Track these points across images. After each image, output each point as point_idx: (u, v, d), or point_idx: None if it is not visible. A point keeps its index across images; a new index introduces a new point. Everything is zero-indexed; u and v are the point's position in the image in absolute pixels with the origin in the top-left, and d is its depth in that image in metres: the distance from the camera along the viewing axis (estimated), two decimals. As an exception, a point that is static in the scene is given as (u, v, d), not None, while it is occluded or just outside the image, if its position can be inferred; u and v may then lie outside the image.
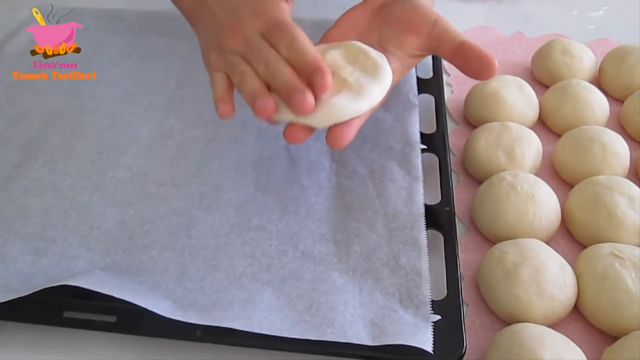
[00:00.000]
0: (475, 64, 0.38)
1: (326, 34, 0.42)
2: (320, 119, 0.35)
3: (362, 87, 0.36)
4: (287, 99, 0.34)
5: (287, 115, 0.35)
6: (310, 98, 0.34)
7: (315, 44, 0.40)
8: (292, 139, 0.36)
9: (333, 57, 0.37)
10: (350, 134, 0.36)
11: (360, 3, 0.43)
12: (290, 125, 0.36)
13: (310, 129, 0.36)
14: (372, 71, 0.37)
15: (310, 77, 0.34)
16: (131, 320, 0.35)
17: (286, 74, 0.35)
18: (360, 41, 0.39)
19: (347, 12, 0.42)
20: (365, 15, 0.42)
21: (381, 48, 0.40)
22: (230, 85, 0.38)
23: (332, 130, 0.36)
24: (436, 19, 0.40)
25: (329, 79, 0.34)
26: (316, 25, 0.58)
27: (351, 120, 0.36)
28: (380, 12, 0.41)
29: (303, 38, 0.37)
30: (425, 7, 0.41)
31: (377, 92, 0.36)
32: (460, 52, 0.39)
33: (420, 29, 0.40)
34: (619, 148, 0.45)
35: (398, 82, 0.42)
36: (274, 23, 0.38)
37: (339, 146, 0.36)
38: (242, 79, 0.37)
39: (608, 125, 0.50)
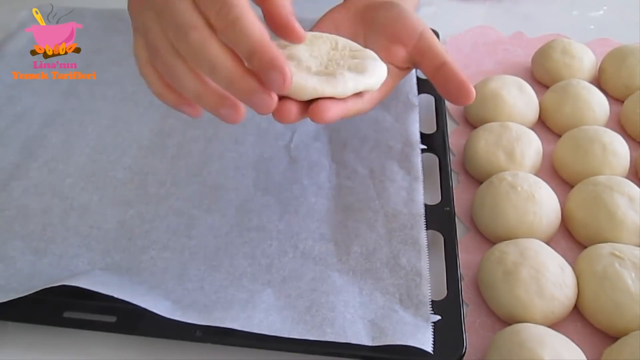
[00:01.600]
0: (452, 89, 0.37)
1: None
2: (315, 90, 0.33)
3: (364, 67, 0.35)
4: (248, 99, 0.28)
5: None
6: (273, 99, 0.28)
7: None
8: (284, 116, 0.31)
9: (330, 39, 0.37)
10: (337, 110, 0.32)
11: (341, 4, 0.42)
12: (283, 100, 0.31)
13: (303, 106, 0.33)
14: (370, 57, 0.36)
15: (265, 75, 0.27)
16: (131, 320, 0.35)
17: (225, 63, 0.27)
18: None
19: (328, 12, 0.41)
20: (348, 16, 0.41)
21: None
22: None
23: (318, 103, 0.32)
24: (422, 31, 0.39)
25: (289, 75, 0.27)
26: (316, 25, 0.58)
27: (339, 100, 0.33)
28: (364, 14, 0.41)
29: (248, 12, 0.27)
30: (413, 17, 0.40)
31: (380, 71, 0.35)
32: (440, 73, 0.38)
33: (406, 39, 0.39)
34: (619, 148, 0.45)
35: (388, 94, 0.41)
36: None
37: (322, 119, 0.31)
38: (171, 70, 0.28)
39: (608, 125, 0.50)
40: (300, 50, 0.36)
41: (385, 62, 0.37)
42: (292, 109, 0.31)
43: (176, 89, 0.30)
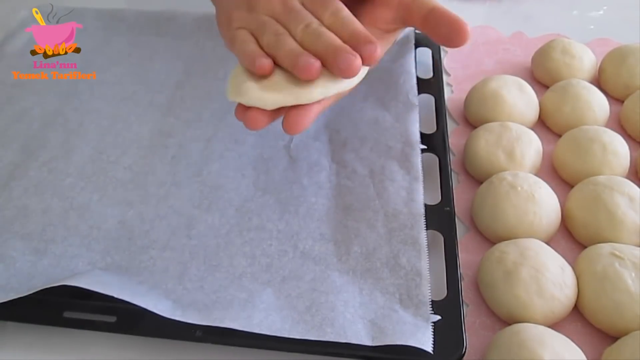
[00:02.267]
0: (444, 29, 0.37)
1: None
2: (299, 97, 0.35)
3: None
4: (333, 59, 0.33)
5: (253, 94, 0.35)
6: (359, 60, 0.33)
7: None
8: (251, 124, 0.35)
9: None
10: (309, 119, 0.35)
11: None
12: (247, 108, 0.35)
13: (272, 114, 0.36)
14: None
15: (358, 46, 0.33)
16: (131, 320, 0.35)
17: (330, 36, 0.34)
18: None
19: None
20: None
21: None
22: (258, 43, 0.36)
23: (288, 115, 0.35)
24: None
25: (379, 51, 0.34)
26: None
27: (310, 105, 0.35)
28: None
29: (349, 12, 0.36)
30: None
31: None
32: (430, 18, 0.37)
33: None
34: (619, 148, 0.45)
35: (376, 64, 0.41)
36: None
37: (293, 131, 0.35)
38: (277, 39, 0.35)
39: (608, 125, 0.50)
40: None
41: (370, 29, 0.37)
42: (259, 117, 0.35)
43: (270, 50, 0.35)
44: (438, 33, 0.37)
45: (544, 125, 0.51)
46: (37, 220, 0.42)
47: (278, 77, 0.35)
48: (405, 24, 0.40)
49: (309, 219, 0.42)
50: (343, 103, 0.44)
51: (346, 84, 0.36)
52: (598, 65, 0.55)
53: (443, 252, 0.39)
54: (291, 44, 0.35)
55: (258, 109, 0.35)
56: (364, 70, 0.36)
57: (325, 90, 0.35)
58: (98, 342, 0.37)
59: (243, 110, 0.36)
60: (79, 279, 0.36)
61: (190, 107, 0.51)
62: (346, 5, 0.40)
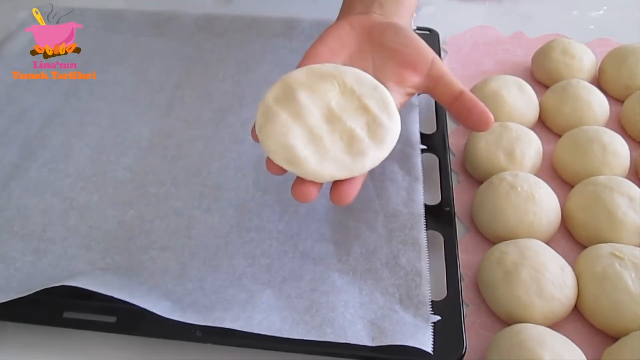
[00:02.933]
0: (475, 117, 0.38)
1: (314, 51, 0.39)
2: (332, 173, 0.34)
3: (382, 133, 0.36)
4: None
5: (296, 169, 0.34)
6: None
7: (302, 61, 0.38)
8: (304, 197, 0.34)
9: (338, 98, 0.36)
10: (357, 189, 0.35)
11: (345, 21, 0.41)
12: (300, 182, 0.34)
13: (319, 185, 0.35)
14: (379, 132, 0.36)
15: None
16: (131, 320, 0.35)
17: None
18: (353, 65, 0.38)
19: (331, 28, 0.41)
20: (353, 35, 0.40)
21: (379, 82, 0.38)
22: None
23: (338, 187, 0.34)
24: (433, 58, 0.39)
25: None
26: (316, 25, 0.58)
27: (359, 176, 0.35)
28: (371, 35, 0.40)
29: None
30: (423, 44, 0.40)
31: (395, 132, 0.36)
32: (460, 103, 0.39)
33: (420, 67, 0.39)
34: (619, 148, 0.45)
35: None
36: None
37: (344, 203, 0.35)
38: None
39: (608, 125, 0.50)
40: (315, 117, 0.35)
41: (395, 88, 0.38)
42: (314, 191, 0.34)
43: None
44: (467, 117, 0.39)
45: (544, 125, 0.51)
46: (37, 220, 0.42)
47: (328, 144, 0.34)
48: (426, 92, 0.41)
49: (309, 219, 0.41)
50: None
51: (388, 152, 0.36)
52: (598, 65, 0.55)
53: (443, 252, 0.39)
54: None
55: (312, 182, 0.34)
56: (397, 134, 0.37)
57: (375, 161, 0.35)
58: (98, 342, 0.37)
59: (280, 170, 0.35)
60: (79, 279, 0.36)
61: (190, 107, 0.51)
62: (370, 59, 0.40)
